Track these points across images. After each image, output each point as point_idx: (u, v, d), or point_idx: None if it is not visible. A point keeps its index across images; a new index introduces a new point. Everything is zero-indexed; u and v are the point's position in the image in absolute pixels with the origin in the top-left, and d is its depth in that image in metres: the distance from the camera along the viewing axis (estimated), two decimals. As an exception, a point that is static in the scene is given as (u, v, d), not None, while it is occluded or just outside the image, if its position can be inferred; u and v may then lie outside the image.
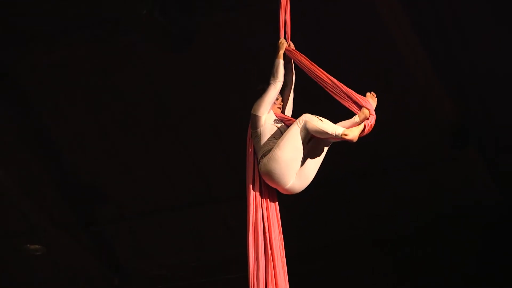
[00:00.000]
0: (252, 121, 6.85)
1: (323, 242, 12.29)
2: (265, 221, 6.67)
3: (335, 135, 6.47)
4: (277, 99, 6.97)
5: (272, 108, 6.91)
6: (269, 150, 6.67)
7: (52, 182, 12.50)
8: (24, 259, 13.50)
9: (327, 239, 12.25)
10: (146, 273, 13.45)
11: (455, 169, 11.06)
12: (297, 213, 11.60)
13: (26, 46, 10.93)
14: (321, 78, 6.75)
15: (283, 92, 7.07)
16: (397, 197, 11.51)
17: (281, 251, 6.66)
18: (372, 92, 6.75)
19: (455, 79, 10.33)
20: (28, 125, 11.89)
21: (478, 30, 10.00)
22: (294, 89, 7.18)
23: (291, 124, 6.68)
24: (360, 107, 6.61)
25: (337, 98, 6.70)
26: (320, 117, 6.57)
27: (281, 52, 6.95)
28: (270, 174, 6.63)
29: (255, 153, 6.82)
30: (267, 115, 6.83)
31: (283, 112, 7.09)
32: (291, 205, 10.03)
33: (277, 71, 6.85)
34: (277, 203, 6.79)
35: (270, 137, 6.75)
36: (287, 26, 7.14)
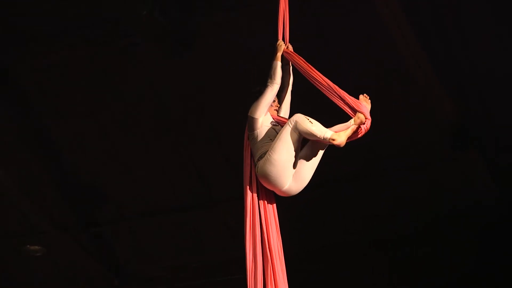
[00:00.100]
0: (249, 123, 6.85)
1: (323, 243, 12.30)
2: (262, 222, 6.68)
3: (323, 138, 6.49)
4: (274, 101, 6.97)
5: (269, 110, 6.91)
6: (265, 153, 6.67)
7: (52, 182, 12.50)
8: (24, 259, 13.50)
9: (327, 239, 12.25)
10: (146, 274, 13.45)
11: (455, 169, 11.06)
12: (296, 214, 11.58)
13: (26, 46, 10.92)
14: (318, 81, 6.74)
15: (281, 94, 7.08)
16: (397, 197, 11.50)
17: (280, 252, 6.67)
18: (365, 94, 6.73)
19: (455, 79, 10.33)
20: (28, 125, 11.89)
21: (478, 30, 9.99)
22: (292, 91, 7.18)
23: None
24: (355, 110, 6.59)
25: (333, 101, 6.70)
26: (310, 119, 6.57)
27: (279, 54, 6.95)
28: (266, 177, 6.64)
29: (252, 155, 6.82)
30: (264, 117, 6.83)
31: (280, 114, 7.09)
32: (290, 206, 10.01)
33: (274, 73, 6.85)
34: (275, 204, 6.81)
35: (267, 139, 6.76)
36: (285, 28, 7.14)
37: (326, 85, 6.71)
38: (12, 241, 13.24)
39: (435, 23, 9.99)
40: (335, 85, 6.70)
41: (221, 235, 12.55)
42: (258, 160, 6.69)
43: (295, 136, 6.58)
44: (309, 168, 6.69)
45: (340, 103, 6.68)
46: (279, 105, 7.08)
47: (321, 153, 6.71)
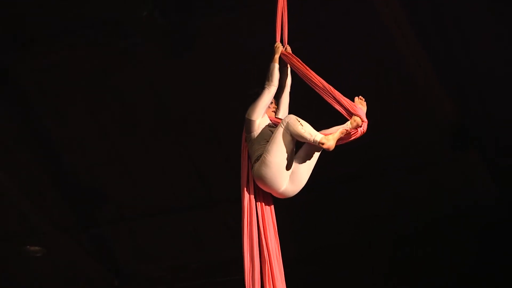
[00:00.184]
0: (246, 125, 6.85)
1: (323, 243, 12.30)
2: (260, 224, 6.68)
3: (313, 141, 6.48)
4: (271, 102, 6.97)
5: (266, 112, 6.91)
6: (262, 155, 6.66)
7: (52, 182, 12.50)
8: (24, 260, 13.50)
9: (326, 240, 12.25)
10: (146, 274, 13.44)
11: (455, 169, 11.06)
12: (296, 214, 11.60)
13: (26, 47, 10.94)
14: (315, 83, 6.72)
15: (279, 95, 7.07)
16: (397, 197, 11.51)
17: (278, 253, 6.66)
18: (360, 97, 6.71)
19: (455, 79, 10.33)
20: (28, 126, 11.90)
21: (478, 30, 10.00)
22: (290, 92, 7.17)
23: None
24: (351, 114, 6.57)
25: (330, 103, 6.69)
26: (301, 121, 6.56)
27: (277, 56, 6.94)
28: (262, 179, 6.63)
29: (249, 157, 6.82)
30: (261, 119, 6.83)
31: (278, 115, 7.08)
32: (290, 207, 10.03)
33: (271, 75, 6.84)
34: (272, 206, 6.81)
35: (263, 141, 6.74)
36: (284, 29, 7.13)
37: (322, 87, 6.70)
38: (12, 241, 13.24)
39: (435, 23, 10.00)
40: (331, 88, 6.68)
41: (221, 235, 12.55)
42: (255, 162, 6.68)
43: (288, 137, 6.58)
44: (305, 170, 6.68)
45: (336, 105, 6.67)
46: (276, 107, 7.08)
47: (317, 155, 6.71)
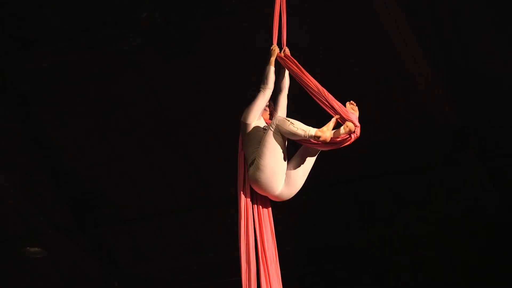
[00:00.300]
0: (242, 128, 6.83)
1: (323, 244, 12.29)
2: (256, 227, 6.65)
3: (308, 136, 6.45)
4: (268, 105, 6.94)
5: (263, 114, 6.90)
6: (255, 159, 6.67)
7: (52, 184, 12.50)
8: (24, 262, 13.49)
9: (326, 241, 12.24)
10: (146, 276, 13.43)
11: (455, 169, 11.06)
12: (296, 215, 11.62)
13: (26, 48, 10.95)
14: (309, 86, 6.67)
15: (277, 98, 7.03)
16: (396, 198, 11.51)
17: (274, 255, 6.65)
18: (351, 102, 6.66)
19: (455, 80, 10.34)
20: (28, 127, 11.90)
21: (477, 32, 10.02)
22: (288, 94, 7.16)
23: None
24: (343, 119, 6.54)
25: (323, 107, 6.66)
26: (291, 120, 6.55)
27: (272, 59, 6.89)
28: (257, 183, 6.62)
29: (245, 160, 6.79)
30: (257, 122, 6.80)
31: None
32: (289, 207, 10.06)
33: (267, 78, 6.80)
34: (270, 208, 6.78)
35: (258, 144, 6.68)
36: (282, 31, 7.10)
37: (316, 91, 6.65)
38: (12, 243, 13.23)
39: (435, 24, 10.02)
40: (325, 91, 6.61)
41: (221, 237, 12.54)
42: (250, 166, 6.67)
43: (279, 139, 6.56)
44: (301, 173, 6.66)
45: (330, 111, 6.62)
46: (274, 109, 7.03)
47: (314, 157, 6.68)
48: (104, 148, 12.02)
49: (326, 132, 6.44)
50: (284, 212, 11.12)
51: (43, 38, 10.89)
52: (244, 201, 6.70)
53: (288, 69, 6.90)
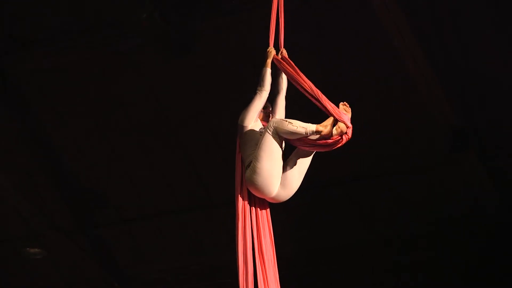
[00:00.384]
0: (238, 131, 6.81)
1: (322, 245, 12.29)
2: (254, 229, 6.63)
3: (309, 133, 6.44)
4: (265, 107, 6.92)
5: (260, 116, 6.90)
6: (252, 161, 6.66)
7: (52, 185, 12.50)
8: (24, 262, 13.49)
9: (326, 241, 12.25)
10: (146, 276, 13.43)
11: (455, 169, 11.06)
12: (296, 215, 11.61)
13: (26, 48, 10.95)
14: (304, 88, 6.63)
15: (275, 99, 7.03)
16: (396, 198, 11.52)
17: (272, 257, 6.64)
18: (344, 102, 6.65)
19: (455, 80, 10.35)
20: (28, 128, 11.91)
21: (477, 32, 10.03)
22: (286, 96, 7.16)
23: None
24: (336, 120, 6.52)
25: (320, 107, 6.67)
26: (288, 120, 6.54)
27: (269, 61, 6.87)
28: (253, 185, 6.61)
29: (242, 162, 6.78)
30: (253, 124, 6.79)
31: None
32: (289, 208, 10.05)
33: (263, 80, 6.78)
34: (268, 209, 6.77)
35: (255, 147, 6.67)
36: (280, 33, 7.08)
37: (310, 92, 6.63)
38: (12, 243, 13.23)
39: (435, 24, 10.02)
40: (319, 92, 6.59)
41: (221, 237, 12.54)
42: (246, 168, 6.66)
43: (276, 141, 6.55)
44: (297, 174, 6.65)
45: (325, 110, 6.61)
46: (271, 111, 7.01)
47: (309, 159, 6.67)
48: (104, 148, 12.02)
49: (328, 126, 6.44)
50: (283, 212, 11.13)
51: (43, 38, 10.89)
52: (242, 204, 6.68)
53: (283, 71, 6.88)
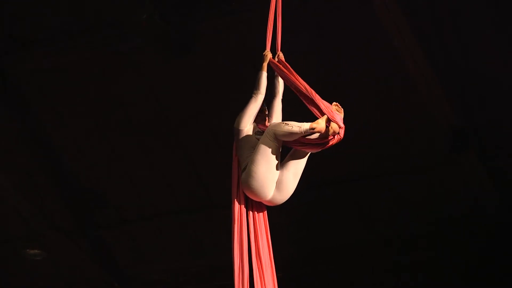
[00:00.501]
0: (235, 134, 6.83)
1: (322, 245, 12.29)
2: (251, 231, 6.65)
3: (304, 131, 6.46)
4: (262, 110, 6.93)
5: (257, 119, 6.90)
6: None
7: (52, 185, 12.50)
8: (24, 263, 13.48)
9: (326, 241, 12.25)
10: (146, 277, 13.43)
11: (455, 169, 11.07)
12: (295, 215, 11.61)
13: (26, 48, 10.96)
14: (299, 90, 6.64)
15: (271, 103, 7.05)
16: (396, 198, 11.52)
17: (269, 259, 6.64)
18: (337, 103, 6.66)
19: (455, 80, 10.35)
20: (28, 128, 11.91)
21: (477, 32, 10.03)
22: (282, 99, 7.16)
23: None
24: (329, 120, 6.52)
25: (312, 110, 6.67)
26: (285, 122, 6.56)
27: (265, 64, 6.89)
28: (249, 189, 6.63)
29: (239, 164, 6.79)
30: (250, 127, 6.81)
31: (271, 122, 7.04)
32: (289, 208, 10.03)
33: (259, 84, 6.79)
34: (265, 212, 6.77)
35: (252, 150, 6.70)
36: (277, 36, 7.08)
37: (305, 92, 6.62)
38: (12, 243, 13.23)
39: (435, 24, 10.02)
40: (313, 92, 6.60)
41: (221, 238, 12.52)
42: (243, 171, 6.68)
43: (273, 146, 6.56)
44: (292, 177, 6.66)
45: (316, 111, 6.61)
46: (268, 114, 7.02)
47: (303, 161, 6.68)
48: (104, 148, 12.02)
49: (321, 123, 6.46)
50: (283, 212, 11.12)
51: (43, 38, 10.89)
52: (238, 207, 6.70)
53: (279, 74, 6.90)
